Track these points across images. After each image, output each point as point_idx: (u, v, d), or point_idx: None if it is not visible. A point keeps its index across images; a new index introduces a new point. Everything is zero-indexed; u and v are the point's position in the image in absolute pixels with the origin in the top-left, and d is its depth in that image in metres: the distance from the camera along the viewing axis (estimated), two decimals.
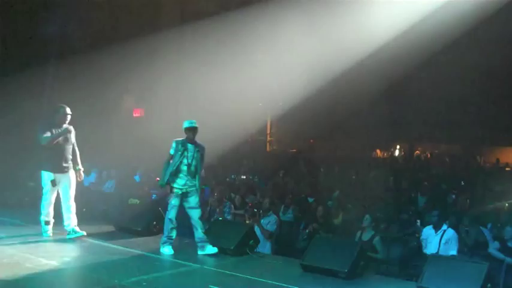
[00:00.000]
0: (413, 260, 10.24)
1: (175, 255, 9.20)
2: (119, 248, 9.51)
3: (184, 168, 9.08)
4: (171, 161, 9.15)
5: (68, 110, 9.70)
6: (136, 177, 16.23)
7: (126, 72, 18.32)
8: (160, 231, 10.76)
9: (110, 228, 10.97)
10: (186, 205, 9.23)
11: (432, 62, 17.65)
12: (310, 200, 13.70)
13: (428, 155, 27.14)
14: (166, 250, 9.22)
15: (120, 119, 18.63)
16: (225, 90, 19.30)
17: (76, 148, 9.95)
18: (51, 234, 9.91)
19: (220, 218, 12.22)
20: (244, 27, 18.08)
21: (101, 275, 7.92)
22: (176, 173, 9.08)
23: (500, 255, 9.79)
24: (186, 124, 9.23)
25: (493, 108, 22.62)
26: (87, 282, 7.75)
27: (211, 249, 9.21)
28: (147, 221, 10.84)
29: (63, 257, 8.65)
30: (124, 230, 10.73)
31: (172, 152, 9.16)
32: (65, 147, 9.68)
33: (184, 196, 9.17)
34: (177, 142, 9.18)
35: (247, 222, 11.52)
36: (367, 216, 10.87)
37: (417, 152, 27.36)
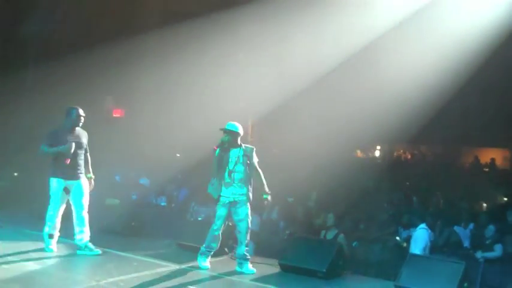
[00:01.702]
0: (392, 259, 10.29)
1: (153, 255, 9.15)
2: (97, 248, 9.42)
3: (227, 175, 8.33)
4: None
5: (81, 112, 8.82)
6: (117, 178, 16.15)
7: (106, 72, 18.21)
8: (139, 231, 10.76)
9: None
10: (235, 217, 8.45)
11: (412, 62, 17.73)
12: (290, 199, 13.70)
13: (409, 156, 27.32)
14: (202, 263, 8.53)
15: (99, 119, 18.50)
16: (206, 90, 19.27)
17: (88, 154, 9.06)
18: (55, 250, 8.91)
19: (200, 218, 12.17)
20: (226, 28, 18.05)
21: (79, 276, 7.88)
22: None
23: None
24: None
25: (473, 109, 22.80)
26: (65, 282, 7.68)
27: (248, 270, 8.44)
28: (126, 221, 10.79)
29: (41, 258, 8.56)
30: (103, 230, 10.64)
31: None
32: (76, 152, 8.72)
33: (232, 206, 8.38)
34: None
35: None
36: (330, 215, 10.90)
37: (397, 152, 27.55)
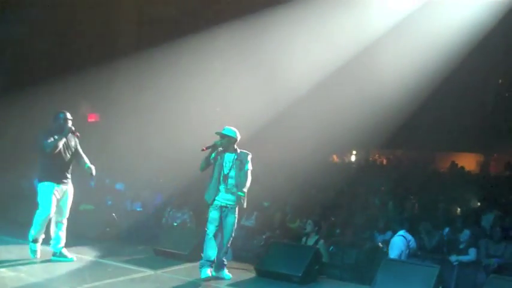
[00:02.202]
0: (367, 263, 10.32)
1: (128, 261, 9.08)
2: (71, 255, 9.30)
3: (222, 179, 8.22)
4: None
5: (69, 115, 8.74)
6: (92, 183, 15.99)
7: (81, 76, 18.07)
8: (113, 236, 10.68)
9: None
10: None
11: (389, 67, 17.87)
12: (266, 204, 13.69)
13: (384, 161, 27.49)
14: (204, 272, 8.22)
15: (74, 124, 18.35)
16: (183, 96, 19.20)
17: (81, 152, 8.92)
18: (39, 256, 8.75)
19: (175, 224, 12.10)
20: (203, 33, 18.05)
21: (54, 282, 7.78)
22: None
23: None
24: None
25: (449, 114, 23.04)
26: None
27: (225, 275, 8.40)
28: (100, 227, 10.69)
29: (15, 264, 8.43)
30: (77, 235, 10.51)
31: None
32: (66, 156, 8.66)
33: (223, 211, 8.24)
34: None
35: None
36: (309, 221, 10.91)
37: (373, 157, 27.70)
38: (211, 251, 8.17)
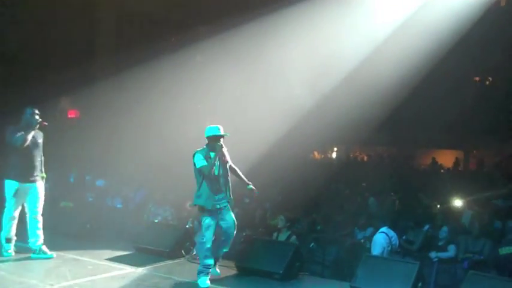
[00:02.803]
0: (348, 260, 10.36)
1: (108, 258, 9.05)
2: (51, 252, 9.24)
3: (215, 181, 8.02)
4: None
5: (36, 111, 8.64)
6: (71, 179, 15.92)
7: (62, 72, 17.95)
8: (94, 233, 10.62)
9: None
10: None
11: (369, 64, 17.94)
12: (246, 200, 13.68)
13: (365, 157, 27.64)
14: (202, 281, 7.90)
15: (54, 120, 18.20)
16: (164, 93, 19.13)
17: (42, 154, 8.82)
18: (13, 254, 8.73)
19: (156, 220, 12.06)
20: (185, 27, 18.00)
21: (33, 280, 7.71)
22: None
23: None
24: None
25: (429, 111, 23.19)
26: (19, 287, 7.51)
27: (215, 272, 8.26)
28: (81, 223, 10.63)
29: None
30: (57, 233, 10.45)
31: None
32: (33, 154, 8.61)
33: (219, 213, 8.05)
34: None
35: (187, 226, 11.43)
36: (281, 217, 10.94)
37: (354, 154, 27.84)
38: (210, 259, 7.94)
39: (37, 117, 8.67)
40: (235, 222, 8.18)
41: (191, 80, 18.76)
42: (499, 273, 8.30)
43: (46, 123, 8.77)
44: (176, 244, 9.46)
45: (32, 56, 18.71)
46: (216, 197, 7.96)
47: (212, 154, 7.97)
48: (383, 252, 9.60)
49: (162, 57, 17.89)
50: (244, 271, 8.61)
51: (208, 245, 7.91)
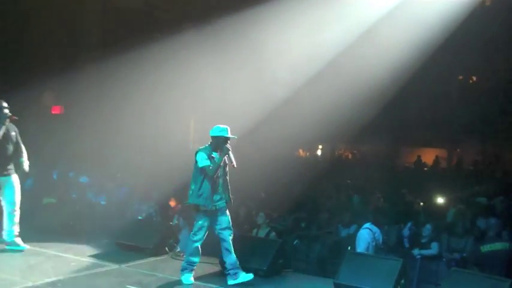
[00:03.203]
0: (331, 257, 10.39)
1: (92, 255, 9.00)
2: (33, 249, 9.13)
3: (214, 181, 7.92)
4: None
5: (5, 104, 8.54)
6: (54, 175, 15.80)
7: (45, 68, 17.81)
8: (77, 230, 10.57)
9: (24, 228, 10.60)
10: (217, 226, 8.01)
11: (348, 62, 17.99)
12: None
13: (349, 155, 27.73)
14: (186, 278, 7.93)
15: (38, 116, 18.11)
16: (148, 89, 19.09)
17: (21, 144, 8.81)
18: None
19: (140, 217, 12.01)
20: (169, 22, 17.94)
21: (15, 277, 7.67)
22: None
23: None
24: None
25: (414, 109, 23.33)
26: (1, 284, 7.46)
27: (245, 277, 7.94)
28: (64, 220, 10.57)
29: None
30: (40, 229, 10.38)
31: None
32: (6, 147, 8.54)
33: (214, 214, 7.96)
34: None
35: (171, 223, 11.40)
36: (261, 214, 10.96)
37: (339, 152, 27.92)
38: (197, 257, 7.94)
39: (6, 111, 8.58)
40: (230, 223, 8.06)
41: (177, 76, 18.70)
42: (481, 270, 8.35)
43: (16, 118, 8.71)
44: (160, 241, 9.45)
45: (15, 50, 18.56)
46: (215, 198, 7.86)
47: (215, 154, 7.87)
48: (368, 247, 9.60)
49: (146, 53, 17.83)
50: None
51: (198, 245, 7.88)
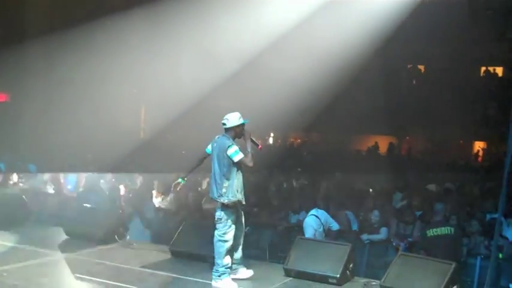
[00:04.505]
0: (282, 243, 10.46)
1: (40, 244, 8.87)
2: None
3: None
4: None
5: None
6: (1, 164, 15.47)
7: None
8: (25, 219, 10.41)
9: None
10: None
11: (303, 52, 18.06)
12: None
13: (300, 143, 27.88)
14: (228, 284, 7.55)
15: None
16: (98, 76, 18.79)
17: None
18: None
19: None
20: (119, 12, 17.68)
21: None
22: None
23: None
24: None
25: (364, 98, 23.54)
26: None
27: (246, 273, 7.93)
28: (11, 210, 10.39)
29: None
30: None
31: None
32: None
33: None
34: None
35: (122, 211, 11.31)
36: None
37: (289, 139, 28.06)
38: (229, 257, 7.61)
39: None
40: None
41: (126, 64, 18.48)
42: (427, 254, 8.53)
43: None
44: (109, 229, 9.37)
45: None
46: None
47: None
48: (314, 234, 9.71)
49: (95, 40, 17.56)
50: (179, 255, 8.59)
51: (230, 244, 7.59)
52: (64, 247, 8.89)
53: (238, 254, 7.85)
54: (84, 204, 11.63)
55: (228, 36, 17.10)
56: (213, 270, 7.52)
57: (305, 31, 16.65)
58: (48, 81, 19.08)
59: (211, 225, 7.68)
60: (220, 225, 7.50)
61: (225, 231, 7.50)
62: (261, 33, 16.40)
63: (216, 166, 7.55)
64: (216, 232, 7.54)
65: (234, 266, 7.77)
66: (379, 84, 23.04)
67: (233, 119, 7.67)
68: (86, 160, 15.24)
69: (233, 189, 7.48)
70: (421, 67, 26.52)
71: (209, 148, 7.79)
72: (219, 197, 7.46)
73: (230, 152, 7.44)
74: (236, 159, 7.43)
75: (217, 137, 7.72)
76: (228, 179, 7.47)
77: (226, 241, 7.50)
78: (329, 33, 16.77)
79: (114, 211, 10.70)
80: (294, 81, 18.46)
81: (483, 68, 24.60)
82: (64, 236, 9.57)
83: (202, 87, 18.19)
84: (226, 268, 7.51)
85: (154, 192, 12.43)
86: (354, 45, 16.88)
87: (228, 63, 18.17)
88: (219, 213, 7.51)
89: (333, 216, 10.41)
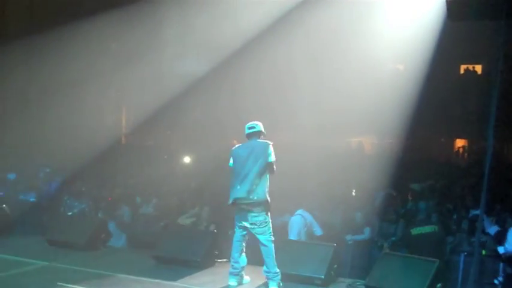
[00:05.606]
0: None
1: (21, 253, 8.78)
2: None
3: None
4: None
5: None
6: None
7: None
8: (5, 228, 10.32)
9: None
10: None
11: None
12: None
13: (285, 143, 27.83)
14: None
15: None
16: (78, 81, 18.65)
17: None
18: None
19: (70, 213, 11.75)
20: (98, 11, 17.58)
21: None
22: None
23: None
24: None
25: (346, 99, 23.56)
26: None
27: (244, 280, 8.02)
28: None
29: None
30: None
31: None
32: None
33: None
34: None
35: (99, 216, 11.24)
36: (206, 208, 10.93)
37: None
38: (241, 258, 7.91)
39: None
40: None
41: (106, 68, 18.36)
42: (411, 252, 8.55)
43: None
44: (91, 236, 9.30)
45: None
46: None
47: None
48: (299, 233, 9.69)
49: (75, 44, 17.44)
50: (163, 260, 8.54)
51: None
52: (46, 255, 8.80)
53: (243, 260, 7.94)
54: (67, 212, 11.63)
55: (210, 36, 17.05)
56: (272, 278, 7.52)
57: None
58: (29, 87, 18.93)
59: (196, 230, 7.62)
60: (265, 228, 7.55)
61: (271, 231, 7.60)
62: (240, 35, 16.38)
63: (249, 167, 7.52)
64: (263, 237, 7.56)
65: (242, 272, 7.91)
66: (360, 83, 23.09)
67: (260, 125, 7.79)
68: (65, 167, 15.06)
69: (265, 190, 7.53)
70: (400, 66, 26.65)
71: (231, 162, 7.80)
72: (249, 194, 7.45)
73: (270, 149, 7.53)
74: (272, 158, 7.51)
75: (237, 145, 7.88)
76: (260, 179, 7.51)
77: (273, 241, 7.58)
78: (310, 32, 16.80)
79: (96, 218, 10.63)
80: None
81: (463, 66, 24.75)
82: (46, 245, 9.47)
83: (183, 91, 18.17)
84: (275, 274, 7.56)
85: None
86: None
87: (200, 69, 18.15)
88: (263, 217, 7.54)
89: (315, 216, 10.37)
